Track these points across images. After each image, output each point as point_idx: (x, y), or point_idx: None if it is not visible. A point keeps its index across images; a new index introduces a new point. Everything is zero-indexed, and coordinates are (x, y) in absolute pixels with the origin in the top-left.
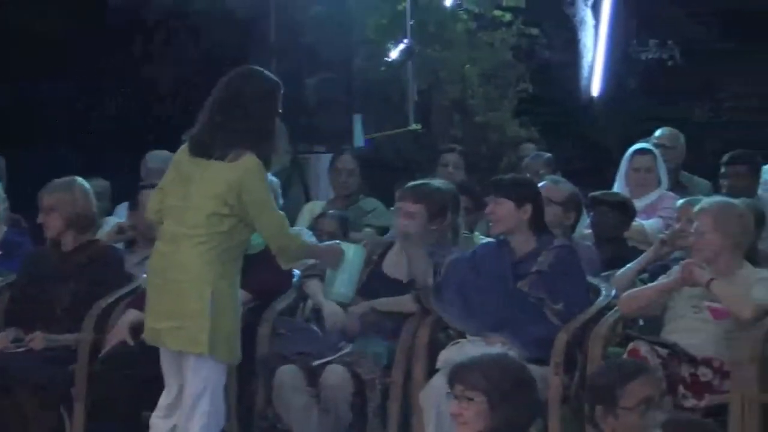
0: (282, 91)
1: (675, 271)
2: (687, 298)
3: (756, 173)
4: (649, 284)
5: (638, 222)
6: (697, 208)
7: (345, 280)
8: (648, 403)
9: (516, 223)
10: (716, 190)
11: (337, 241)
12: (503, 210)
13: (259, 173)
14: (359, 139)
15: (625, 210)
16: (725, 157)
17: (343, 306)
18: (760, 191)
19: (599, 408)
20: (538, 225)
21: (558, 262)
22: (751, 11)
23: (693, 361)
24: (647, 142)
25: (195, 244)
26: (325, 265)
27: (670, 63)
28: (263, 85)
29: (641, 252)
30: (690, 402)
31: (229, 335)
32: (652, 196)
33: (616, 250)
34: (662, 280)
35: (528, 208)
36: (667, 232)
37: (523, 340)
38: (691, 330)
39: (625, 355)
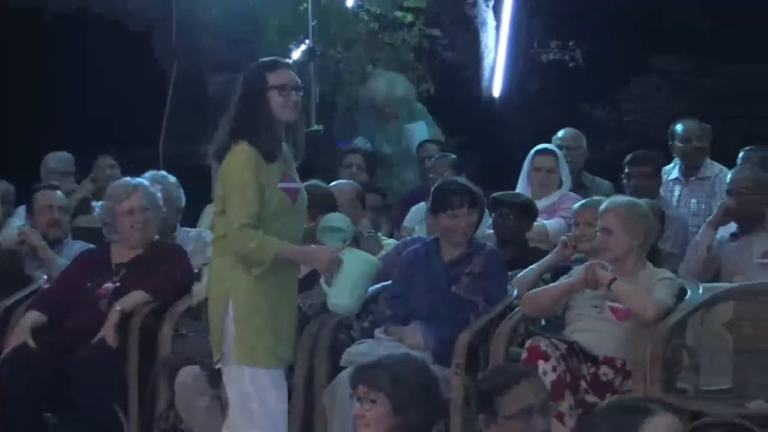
0: (283, 69)
1: (577, 271)
2: (589, 298)
3: (658, 174)
4: (552, 284)
5: (540, 222)
6: (603, 207)
7: (343, 289)
8: (530, 411)
9: None
10: (618, 190)
11: (340, 245)
12: None
13: (241, 159)
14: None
15: (527, 211)
16: (628, 158)
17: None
18: (661, 192)
19: (481, 416)
20: None
21: (490, 265)
22: (651, 14)
23: (594, 360)
24: (549, 142)
25: (214, 250)
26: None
27: (571, 64)
28: (253, 73)
29: (543, 252)
30: (592, 398)
31: (262, 339)
32: (554, 197)
33: (518, 250)
34: (564, 280)
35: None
36: (569, 233)
37: (442, 339)
38: (593, 330)
39: (525, 351)
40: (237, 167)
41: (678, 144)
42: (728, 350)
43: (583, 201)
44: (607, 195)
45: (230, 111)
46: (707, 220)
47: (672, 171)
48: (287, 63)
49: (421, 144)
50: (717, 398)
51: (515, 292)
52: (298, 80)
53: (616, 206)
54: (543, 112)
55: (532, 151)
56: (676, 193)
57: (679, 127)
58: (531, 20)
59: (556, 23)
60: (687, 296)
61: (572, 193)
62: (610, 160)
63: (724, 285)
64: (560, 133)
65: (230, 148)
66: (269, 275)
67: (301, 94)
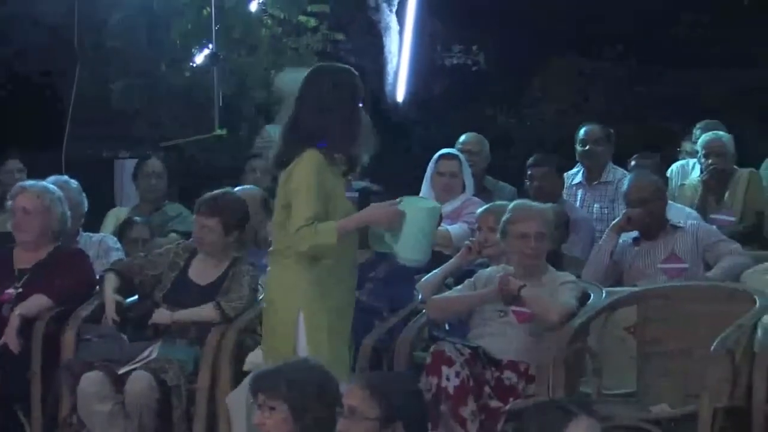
0: (356, 79)
1: (482, 277)
2: (494, 302)
3: (560, 175)
4: (463, 294)
5: (444, 227)
6: (533, 212)
7: (408, 242)
8: None
9: None
10: (522, 194)
11: (399, 200)
12: None
13: (305, 165)
14: None
15: None
16: (530, 160)
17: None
18: (564, 196)
19: None
20: None
21: (395, 271)
22: (553, 19)
23: (498, 364)
24: (453, 147)
25: (274, 263)
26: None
27: (474, 68)
28: (345, 83)
29: (446, 257)
30: (495, 403)
31: (335, 349)
32: (458, 201)
33: None
34: (465, 286)
35: None
36: (473, 238)
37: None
38: (497, 334)
39: (429, 355)
40: (302, 173)
41: (579, 147)
42: (631, 354)
43: (486, 206)
44: (510, 199)
45: (306, 114)
46: (611, 225)
47: (576, 175)
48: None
49: None
50: (620, 402)
51: (419, 296)
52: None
53: (537, 212)
54: (446, 116)
55: (436, 155)
56: (579, 197)
57: (581, 131)
58: (434, 25)
59: (459, 28)
60: (590, 300)
61: (475, 198)
62: (514, 163)
63: (626, 289)
64: (462, 138)
65: (299, 154)
66: (333, 284)
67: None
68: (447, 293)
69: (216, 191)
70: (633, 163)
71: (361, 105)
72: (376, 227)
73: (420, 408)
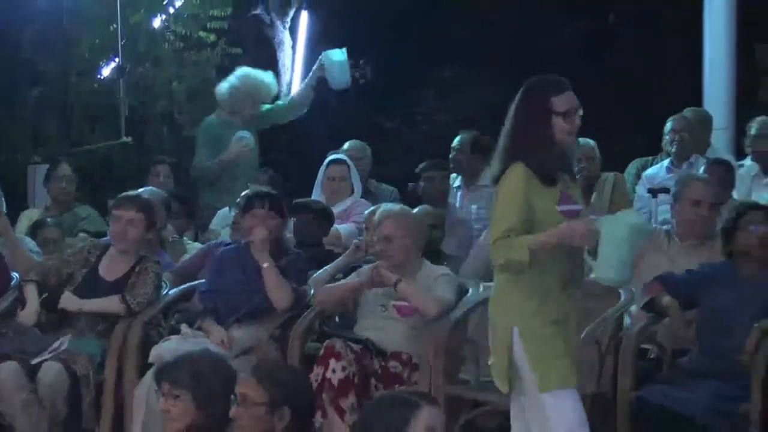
0: (567, 92)
1: (364, 271)
2: (376, 297)
3: (447, 180)
4: (342, 281)
5: (334, 227)
6: (378, 216)
7: (606, 260)
8: None
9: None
10: (404, 196)
11: (593, 218)
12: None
13: (513, 178)
14: None
15: (325, 216)
16: (422, 165)
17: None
18: (450, 198)
19: None
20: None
21: (290, 267)
22: (435, 31)
23: (384, 355)
24: (339, 152)
25: (496, 279)
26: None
27: (362, 81)
28: (536, 95)
29: (337, 255)
30: (380, 392)
31: (553, 364)
32: (346, 203)
33: (315, 253)
34: (353, 278)
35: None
36: (361, 237)
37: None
38: (381, 327)
39: (322, 351)
40: (506, 186)
41: (455, 155)
42: None
43: (372, 208)
44: (392, 200)
45: (508, 129)
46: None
47: (456, 179)
48: (568, 84)
49: None
50: (496, 388)
51: (312, 291)
52: (578, 101)
53: (393, 214)
54: (338, 125)
55: (326, 161)
56: (459, 199)
57: (456, 139)
58: (325, 40)
59: (348, 43)
60: (468, 294)
61: (363, 200)
62: (398, 168)
63: None
64: (346, 145)
65: (507, 168)
66: (549, 300)
67: (581, 114)
68: (330, 284)
69: (133, 191)
70: None
71: (553, 119)
72: (570, 243)
73: (307, 395)
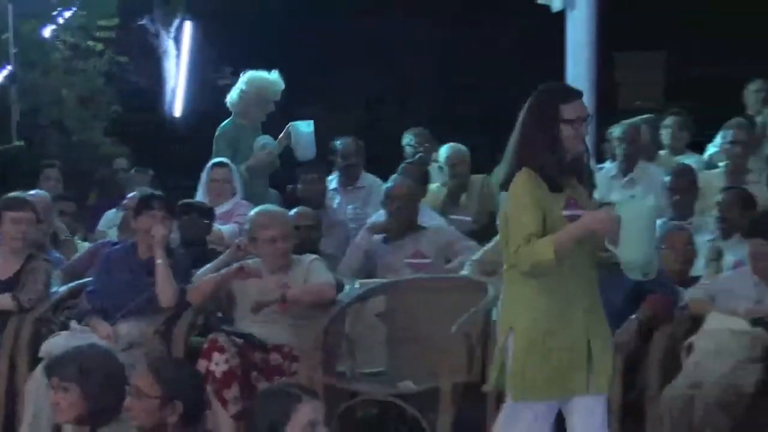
0: (576, 100)
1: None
2: (258, 292)
3: (324, 182)
4: (209, 276)
5: (217, 227)
6: (260, 217)
7: (629, 244)
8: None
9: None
10: (288, 197)
11: (606, 203)
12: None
13: (520, 185)
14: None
15: (208, 216)
16: (300, 168)
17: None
18: (327, 200)
19: None
20: None
21: (176, 265)
22: (312, 42)
23: (266, 348)
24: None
25: (504, 280)
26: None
27: None
28: (544, 102)
29: (219, 253)
30: (262, 384)
31: (536, 373)
32: (229, 205)
33: (199, 251)
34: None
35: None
36: (242, 238)
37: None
38: (263, 322)
39: (206, 345)
40: (516, 193)
41: (337, 159)
42: (381, 338)
43: (255, 209)
44: (274, 202)
45: (516, 136)
46: (366, 225)
47: (332, 181)
48: (578, 92)
49: (112, 159)
50: (372, 379)
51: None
52: (587, 110)
53: (275, 218)
54: (215, 130)
55: (209, 164)
56: (336, 200)
57: (337, 144)
58: (207, 50)
59: (229, 52)
60: (345, 290)
61: (245, 201)
62: (284, 170)
63: (377, 281)
64: None
65: (514, 175)
66: (553, 306)
67: (589, 123)
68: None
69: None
70: (402, 165)
71: (561, 127)
72: (593, 235)
73: (197, 389)
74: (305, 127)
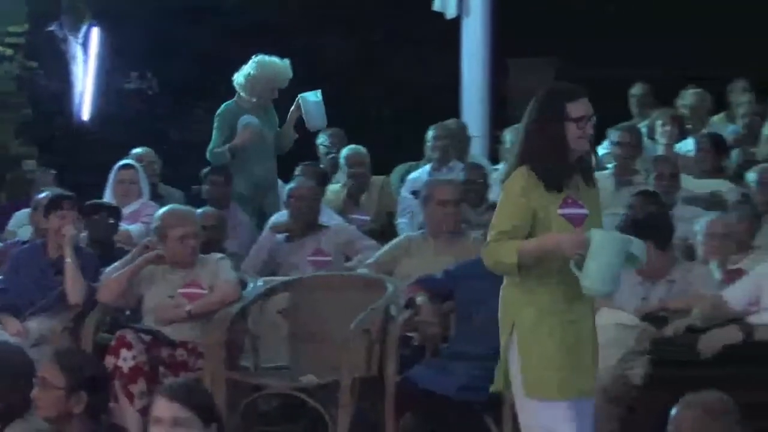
0: (582, 99)
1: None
2: (165, 288)
3: (229, 184)
4: (118, 272)
5: (124, 227)
6: (170, 218)
7: (592, 272)
8: None
9: None
10: (193, 197)
11: (587, 228)
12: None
13: (514, 183)
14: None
15: (116, 216)
16: (206, 170)
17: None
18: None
19: None
20: None
21: (83, 263)
22: (215, 47)
23: (172, 344)
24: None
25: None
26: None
27: (150, 92)
28: (551, 100)
29: (126, 252)
30: (168, 379)
31: (548, 370)
32: (136, 205)
33: (107, 250)
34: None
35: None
36: (149, 237)
37: None
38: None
39: (113, 342)
40: (506, 190)
41: None
42: (284, 333)
43: (164, 209)
44: (182, 203)
45: (521, 133)
46: (268, 225)
47: None
48: (584, 91)
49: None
50: (275, 374)
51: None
52: (591, 108)
53: (194, 214)
54: (126, 132)
55: (116, 166)
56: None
57: None
58: (114, 55)
59: (137, 57)
60: (248, 288)
61: (152, 202)
62: (184, 172)
63: (280, 279)
64: (135, 150)
65: (513, 171)
66: (558, 304)
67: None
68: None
69: None
70: (299, 168)
71: (566, 125)
72: (561, 252)
73: (102, 380)
74: (313, 97)
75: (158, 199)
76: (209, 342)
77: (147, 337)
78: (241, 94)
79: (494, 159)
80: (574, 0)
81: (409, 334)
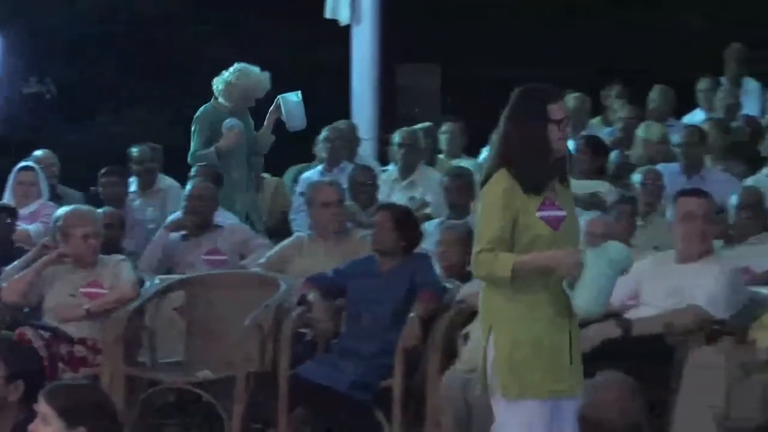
0: (562, 101)
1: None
2: (64, 286)
3: (125, 185)
4: (23, 271)
5: (23, 227)
6: (72, 218)
7: (585, 292)
8: None
9: None
10: (91, 198)
11: (579, 248)
12: None
13: (495, 186)
14: None
15: (12, 216)
16: (102, 171)
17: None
18: (128, 201)
19: None
20: None
21: None
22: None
23: (71, 341)
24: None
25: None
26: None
27: (48, 96)
28: (532, 102)
29: (26, 251)
30: (68, 375)
31: (524, 372)
32: (35, 206)
33: (6, 249)
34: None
35: None
36: (47, 237)
37: None
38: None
39: (15, 336)
40: (488, 194)
41: (133, 165)
42: (180, 330)
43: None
44: (78, 203)
45: (501, 135)
46: (164, 224)
47: (132, 183)
48: (562, 92)
49: None
50: (171, 369)
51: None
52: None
53: (96, 213)
54: (28, 135)
55: (15, 168)
56: (136, 203)
57: (132, 151)
58: (15, 60)
59: (36, 62)
60: (145, 285)
61: (50, 203)
62: (83, 174)
63: (176, 276)
64: (35, 153)
65: (493, 175)
66: (538, 307)
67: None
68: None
69: None
70: (194, 170)
71: (549, 127)
72: (556, 270)
73: (40, 372)
74: (294, 98)
75: (57, 199)
76: (108, 338)
77: (47, 334)
78: (219, 98)
79: (383, 161)
80: (457, 7)
81: (302, 330)
